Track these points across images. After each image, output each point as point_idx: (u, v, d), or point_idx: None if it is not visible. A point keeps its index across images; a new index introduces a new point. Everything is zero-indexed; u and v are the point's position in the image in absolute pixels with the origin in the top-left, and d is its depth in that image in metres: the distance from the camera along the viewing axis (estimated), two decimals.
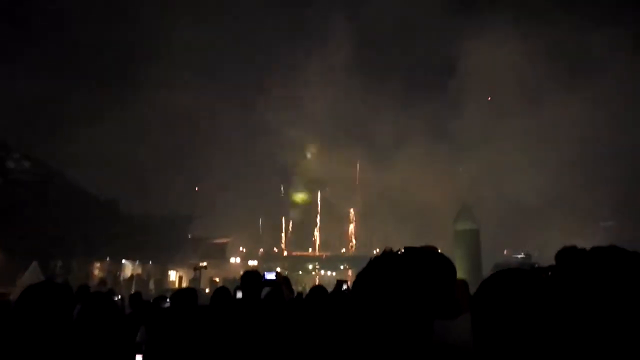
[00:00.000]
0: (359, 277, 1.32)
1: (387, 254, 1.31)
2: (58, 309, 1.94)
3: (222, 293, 5.02)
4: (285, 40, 70.15)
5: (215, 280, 31.93)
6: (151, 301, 6.75)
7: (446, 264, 1.33)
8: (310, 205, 69.45)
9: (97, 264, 35.96)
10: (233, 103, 66.64)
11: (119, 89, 60.96)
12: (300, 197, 70.13)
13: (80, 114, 53.51)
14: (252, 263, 53.60)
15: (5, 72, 48.90)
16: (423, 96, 63.18)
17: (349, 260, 60.34)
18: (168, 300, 5.85)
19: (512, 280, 1.15)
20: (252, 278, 4.72)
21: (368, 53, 72.47)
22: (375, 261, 1.32)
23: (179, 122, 62.38)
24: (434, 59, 67.32)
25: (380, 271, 1.25)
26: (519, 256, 30.97)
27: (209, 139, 62.57)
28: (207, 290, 27.02)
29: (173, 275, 42.59)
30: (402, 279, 1.22)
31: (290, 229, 68.95)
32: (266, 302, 4.45)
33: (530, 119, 54.12)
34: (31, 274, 14.59)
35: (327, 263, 59.85)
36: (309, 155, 69.27)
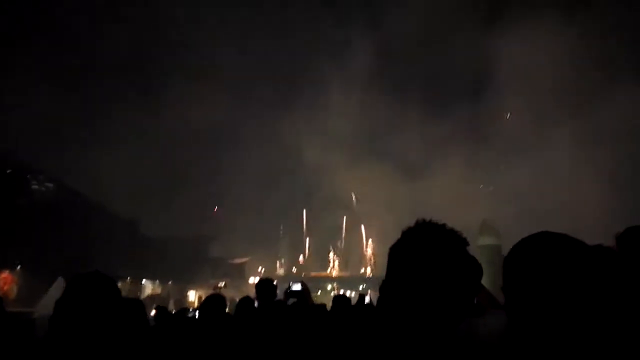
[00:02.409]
0: (394, 249, 1.19)
1: (422, 225, 1.18)
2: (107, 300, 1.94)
3: (246, 302, 5.00)
4: (308, 58, 70.64)
5: (234, 300, 31.83)
6: (173, 313, 6.76)
7: (474, 260, 1.23)
8: (330, 226, 69.26)
9: (118, 284, 36.15)
10: (252, 124, 67.42)
11: (139, 112, 62.28)
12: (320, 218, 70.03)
13: (101, 137, 54.75)
14: None
15: (29, 95, 50.32)
16: (446, 113, 62.89)
17: (368, 281, 59.81)
18: (191, 310, 5.86)
19: (556, 242, 1.08)
20: (265, 285, 4.74)
21: (390, 69, 72.23)
22: (409, 234, 1.18)
23: (199, 144, 63.29)
24: (457, 74, 66.84)
25: (416, 248, 1.14)
26: None
27: (228, 160, 63.32)
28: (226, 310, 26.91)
29: (192, 295, 42.65)
30: (438, 257, 1.12)
31: (308, 249, 68.78)
32: (293, 310, 4.44)
33: (553, 135, 53.54)
34: (57, 290, 14.61)
35: (346, 283, 59.32)
36: (330, 177, 69.21)
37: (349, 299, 5.26)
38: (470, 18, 66.94)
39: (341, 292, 54.98)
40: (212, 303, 4.63)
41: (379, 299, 1.18)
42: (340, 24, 65.48)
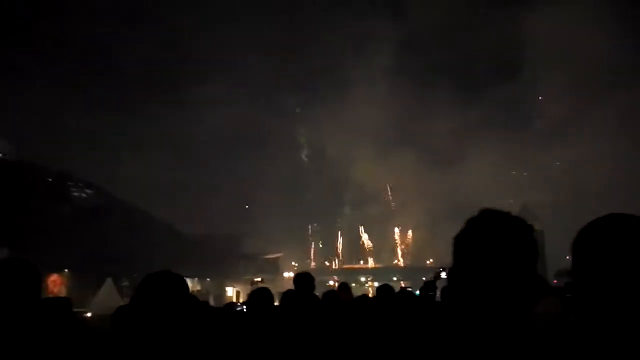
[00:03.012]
0: (460, 238, 1.20)
1: (487, 213, 1.20)
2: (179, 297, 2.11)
3: (291, 295, 5.20)
4: (332, 50, 69.93)
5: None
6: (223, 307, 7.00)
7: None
8: (362, 218, 69.04)
9: None
10: (280, 120, 67.72)
11: (170, 117, 63.56)
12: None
13: (135, 143, 56.09)
14: None
15: (66, 106, 52.07)
16: (477, 98, 61.29)
17: (402, 272, 59.58)
18: (239, 304, 6.10)
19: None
20: (304, 279, 4.94)
21: (417, 56, 70.24)
22: (475, 223, 1.20)
23: (229, 144, 64.09)
24: (489, 56, 64.34)
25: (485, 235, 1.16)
26: None
27: (259, 159, 64.00)
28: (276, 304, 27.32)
29: (230, 291, 43.40)
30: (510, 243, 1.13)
31: (340, 243, 68.85)
32: (325, 302, 4.63)
33: (593, 119, 51.75)
34: (106, 290, 15.30)
35: (380, 275, 59.22)
36: (359, 168, 68.63)
37: (392, 288, 5.37)
38: None
39: (375, 284, 55.01)
40: (259, 296, 4.85)
41: (447, 287, 1.28)
42: (362, 13, 64.35)
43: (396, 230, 67.05)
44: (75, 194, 40.28)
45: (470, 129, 58.61)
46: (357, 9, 65.84)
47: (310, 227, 69.14)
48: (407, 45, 67.79)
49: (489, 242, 1.12)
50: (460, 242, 1.17)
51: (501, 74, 62.20)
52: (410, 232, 66.42)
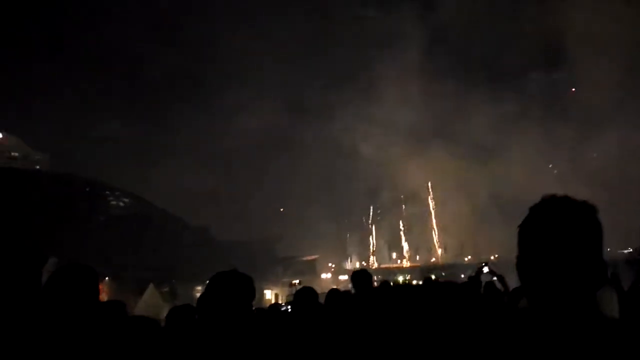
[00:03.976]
0: (525, 226, 1.19)
1: (550, 200, 1.19)
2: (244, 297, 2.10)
3: (335, 294, 5.14)
4: (361, 49, 69.35)
5: None
6: (267, 308, 7.00)
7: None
8: (397, 217, 68.53)
9: (198, 288, 37.77)
10: (312, 123, 67.77)
11: (202, 124, 64.57)
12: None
13: (169, 150, 57.21)
14: (343, 278, 53.71)
15: (98, 116, 53.51)
16: (512, 90, 59.47)
17: (440, 269, 58.75)
18: (284, 305, 6.07)
19: None
20: (362, 276, 4.89)
21: (446, 50, 68.15)
22: (539, 210, 1.19)
23: (261, 149, 64.67)
24: (522, 47, 62.13)
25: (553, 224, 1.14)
26: (626, 251, 28.73)
27: (292, 162, 64.30)
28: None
29: (269, 294, 43.73)
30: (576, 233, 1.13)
31: (375, 242, 68.50)
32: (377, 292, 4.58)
33: (631, 110, 49.59)
34: (149, 296, 15.63)
35: (417, 273, 58.59)
36: (395, 168, 67.77)
37: (436, 280, 5.29)
38: None
39: (414, 282, 54.52)
40: (304, 295, 4.81)
41: (519, 276, 1.23)
42: (390, 10, 63.17)
43: (434, 227, 66.32)
44: (113, 202, 41.34)
45: (505, 123, 57.25)
46: (384, 5, 64.98)
47: (347, 227, 69.02)
48: (438, 40, 66.51)
49: (557, 229, 1.11)
50: (527, 231, 1.17)
51: (534, 65, 60.32)
52: (447, 229, 65.58)
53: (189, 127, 62.21)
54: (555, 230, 1.12)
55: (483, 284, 7.15)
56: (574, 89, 58.83)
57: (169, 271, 34.01)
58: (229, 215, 52.83)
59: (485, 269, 8.66)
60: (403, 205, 68.66)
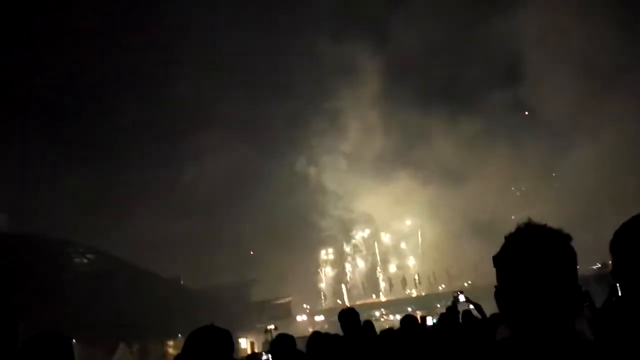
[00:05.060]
0: (501, 257, 1.21)
1: (524, 229, 1.20)
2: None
3: (317, 337, 5.06)
4: (318, 85, 70.26)
5: None
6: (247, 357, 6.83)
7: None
8: (368, 254, 68.24)
9: (171, 343, 36.40)
10: (274, 161, 67.75)
11: (161, 171, 63.57)
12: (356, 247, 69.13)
13: (128, 201, 55.75)
14: (319, 318, 52.79)
15: (57, 170, 52.20)
16: (467, 117, 60.69)
17: (415, 301, 58.64)
18: (264, 354, 5.94)
19: None
20: (349, 315, 4.86)
21: (405, 76, 69.31)
22: (514, 240, 1.21)
23: (223, 191, 63.97)
24: (477, 70, 63.82)
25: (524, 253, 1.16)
26: (595, 267, 29.31)
27: (255, 202, 63.72)
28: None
29: (244, 342, 42.46)
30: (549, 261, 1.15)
31: (349, 279, 67.92)
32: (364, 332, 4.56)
33: (595, 123, 50.77)
34: (121, 355, 14.87)
35: (394, 307, 58.28)
36: (364, 201, 67.79)
37: (416, 318, 5.28)
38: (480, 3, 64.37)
39: (390, 317, 54.05)
40: (282, 344, 4.70)
41: (498, 306, 1.24)
42: (341, 45, 64.63)
43: (408, 258, 66.48)
44: (77, 260, 39.88)
45: (467, 147, 58.59)
46: (339, 39, 66.19)
47: (318, 266, 68.38)
48: (395, 69, 67.80)
49: (534, 258, 1.13)
50: (504, 261, 1.19)
51: (492, 85, 62.11)
52: (413, 260, 65.90)
53: (152, 176, 61.05)
54: (532, 260, 1.13)
55: (461, 312, 7.19)
56: (526, 112, 61.01)
57: (139, 327, 32.76)
58: (199, 264, 51.60)
59: (462, 298, 8.71)
60: (375, 240, 68.71)
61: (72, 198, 51.23)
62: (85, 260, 39.84)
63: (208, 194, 60.60)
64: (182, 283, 46.13)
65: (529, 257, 1.14)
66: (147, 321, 33.59)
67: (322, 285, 67.07)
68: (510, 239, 1.21)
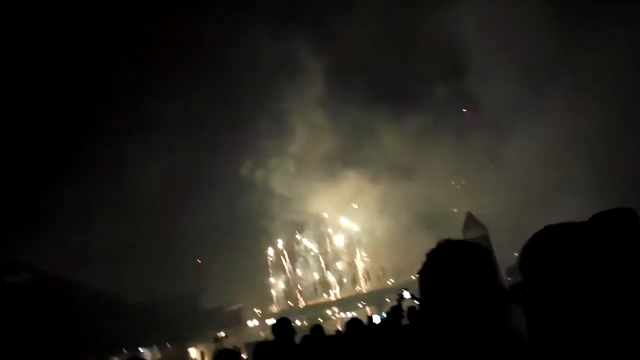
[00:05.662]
0: (423, 272, 1.32)
1: (444, 245, 1.31)
2: None
3: (264, 347, 4.87)
4: (264, 83, 69.37)
5: (238, 348, 31.15)
6: None
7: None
8: (319, 254, 68.49)
9: (115, 359, 34.97)
10: (218, 164, 66.35)
11: (95, 180, 60.51)
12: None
13: (64, 214, 52.81)
14: (271, 322, 52.38)
15: None
16: (412, 110, 61.99)
17: (365, 297, 59.54)
18: None
19: (566, 232, 1.26)
20: (283, 325, 4.72)
21: (350, 75, 69.55)
22: (435, 255, 1.32)
23: (165, 199, 62.09)
24: (421, 66, 64.96)
25: (445, 263, 1.28)
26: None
27: (200, 208, 62.21)
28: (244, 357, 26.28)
29: (194, 352, 41.56)
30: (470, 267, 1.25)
31: (301, 280, 67.92)
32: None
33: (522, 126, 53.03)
34: None
35: (345, 305, 58.90)
36: (312, 201, 67.76)
37: (361, 321, 5.22)
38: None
39: (341, 315, 54.57)
40: (225, 357, 4.47)
41: (423, 320, 1.31)
42: (284, 43, 63.93)
43: (356, 256, 67.29)
44: (11, 280, 37.52)
45: (413, 142, 59.89)
46: (281, 39, 65.56)
47: (267, 269, 67.91)
48: (339, 69, 68.02)
49: (451, 273, 1.23)
50: (425, 276, 1.30)
51: (436, 81, 63.50)
52: (362, 256, 66.83)
53: (87, 183, 58.21)
54: (450, 275, 1.23)
55: (407, 309, 7.24)
56: (465, 109, 63.14)
57: (76, 349, 31.22)
58: (142, 274, 49.72)
59: (406, 294, 8.78)
60: (327, 239, 69.12)
61: None
62: (19, 280, 37.55)
63: (149, 202, 58.54)
64: (123, 297, 44.35)
65: (446, 272, 1.24)
66: (90, 338, 32.12)
67: (273, 289, 66.70)
68: (430, 255, 1.31)
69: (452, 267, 1.25)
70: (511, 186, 50.83)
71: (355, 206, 66.72)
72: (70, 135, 59.85)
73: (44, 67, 59.22)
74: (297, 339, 5.03)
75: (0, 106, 55.13)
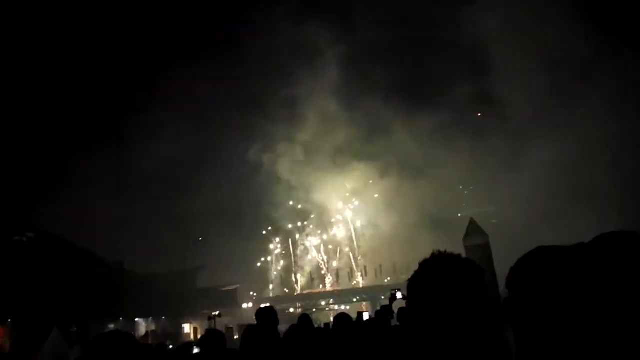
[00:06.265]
0: (412, 282, 1.32)
1: (438, 257, 1.31)
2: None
3: (252, 331, 5.11)
4: (280, 70, 68.86)
5: (230, 328, 31.57)
6: (176, 349, 6.75)
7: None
8: (319, 245, 68.58)
9: (111, 326, 35.57)
10: (228, 147, 66.59)
11: (106, 150, 61.08)
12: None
13: (73, 180, 53.45)
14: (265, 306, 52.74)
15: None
16: (428, 108, 61.24)
17: (362, 292, 59.73)
18: (194, 347, 5.93)
19: (553, 256, 1.17)
20: (266, 313, 4.89)
21: (366, 69, 68.57)
22: (427, 266, 1.31)
23: (171, 176, 62.54)
24: (440, 64, 63.84)
25: (435, 274, 1.27)
26: None
27: (206, 188, 62.57)
28: (236, 337, 26.75)
29: (187, 328, 42.10)
30: (459, 281, 1.25)
31: (298, 269, 68.22)
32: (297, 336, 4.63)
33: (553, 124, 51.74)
34: (54, 341, 14.31)
35: (340, 298, 59.17)
36: (317, 191, 67.62)
37: (350, 317, 5.43)
38: None
39: (336, 307, 54.86)
40: (211, 339, 4.72)
41: (409, 324, 1.37)
42: (306, 30, 63.22)
43: (355, 250, 67.37)
44: (16, 238, 38.14)
45: (424, 141, 59.29)
46: (300, 24, 64.77)
47: (267, 253, 68.26)
48: (357, 59, 67.26)
49: (437, 290, 1.23)
50: (413, 285, 1.31)
51: (455, 80, 62.49)
52: (367, 252, 66.81)
53: (98, 156, 58.71)
54: (435, 292, 1.23)
55: (397, 310, 7.41)
56: (479, 115, 62.42)
57: (79, 310, 31.82)
58: (145, 248, 50.38)
59: (399, 295, 8.95)
60: (329, 230, 69.16)
61: (13, 177, 48.71)
62: (25, 239, 38.19)
63: (156, 177, 59.05)
64: (125, 267, 45.00)
65: (433, 287, 1.24)
66: (88, 304, 32.70)
67: (271, 274, 67.12)
68: (422, 265, 1.32)
69: (440, 283, 1.23)
70: (518, 196, 50.56)
71: (356, 202, 66.72)
72: (83, 106, 60.38)
73: (59, 41, 59.55)
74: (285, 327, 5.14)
75: (16, 74, 55.82)
